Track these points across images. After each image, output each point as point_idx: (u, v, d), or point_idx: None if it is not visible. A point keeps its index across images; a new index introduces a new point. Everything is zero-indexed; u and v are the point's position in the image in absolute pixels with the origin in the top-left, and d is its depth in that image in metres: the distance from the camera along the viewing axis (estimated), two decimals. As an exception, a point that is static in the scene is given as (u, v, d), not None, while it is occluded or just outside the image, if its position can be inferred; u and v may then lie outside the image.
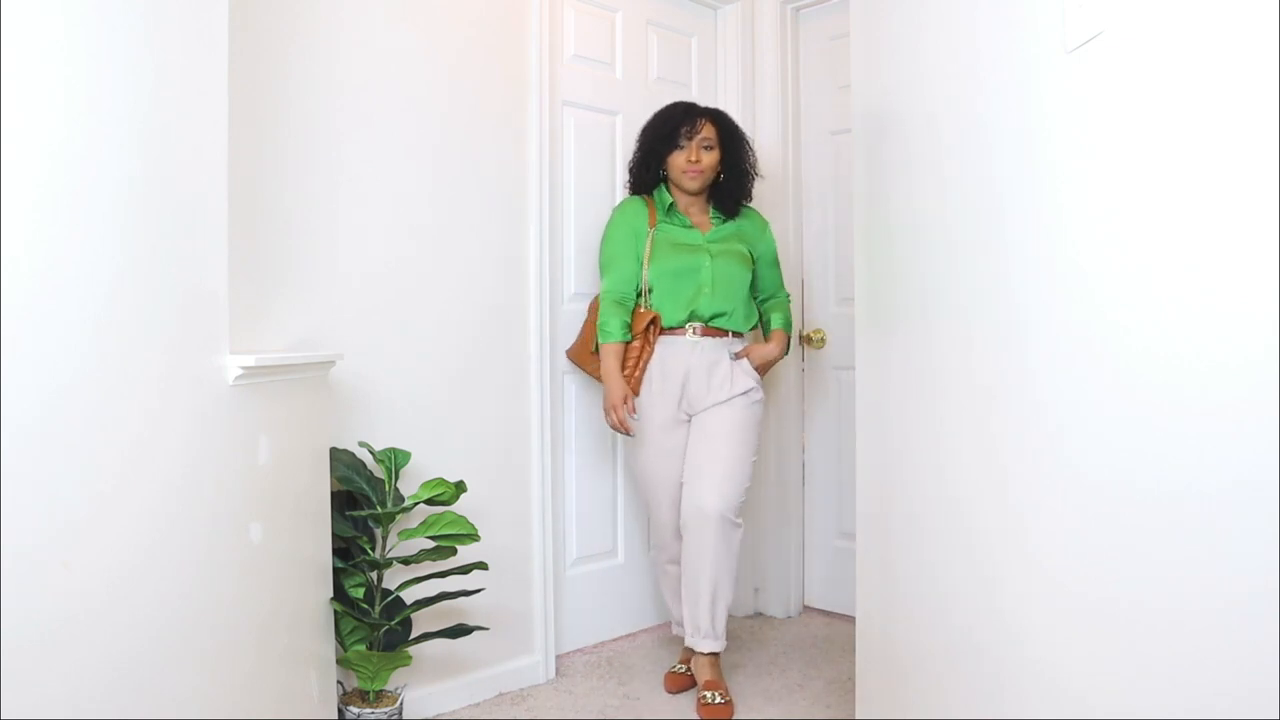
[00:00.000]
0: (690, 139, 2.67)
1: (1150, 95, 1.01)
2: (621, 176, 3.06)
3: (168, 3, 1.52)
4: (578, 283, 2.94)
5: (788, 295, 2.87)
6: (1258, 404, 0.84)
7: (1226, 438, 0.90)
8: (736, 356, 2.67)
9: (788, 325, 2.81)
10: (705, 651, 2.55)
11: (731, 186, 2.74)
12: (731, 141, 2.73)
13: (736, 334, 2.70)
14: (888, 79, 1.87)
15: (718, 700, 2.47)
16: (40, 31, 1.29)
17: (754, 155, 2.79)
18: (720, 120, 2.74)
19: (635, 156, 2.79)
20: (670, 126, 2.70)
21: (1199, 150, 0.94)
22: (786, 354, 2.84)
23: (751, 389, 2.63)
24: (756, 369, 2.68)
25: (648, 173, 2.74)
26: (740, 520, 2.57)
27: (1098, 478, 1.11)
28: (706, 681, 2.53)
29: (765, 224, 2.84)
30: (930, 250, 1.65)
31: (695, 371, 2.62)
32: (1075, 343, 1.17)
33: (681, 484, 2.61)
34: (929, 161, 1.66)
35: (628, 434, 2.62)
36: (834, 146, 3.30)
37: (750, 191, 2.80)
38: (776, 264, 2.85)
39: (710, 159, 2.68)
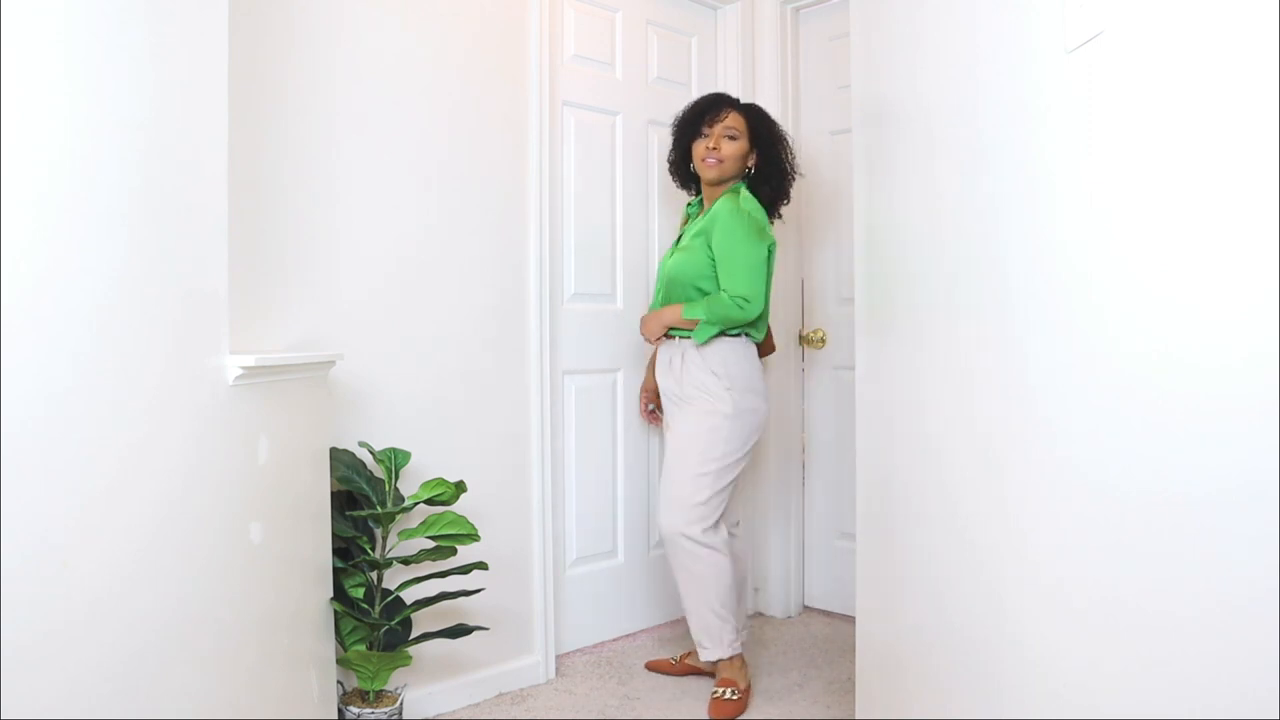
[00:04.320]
0: (712, 126, 2.63)
1: (1150, 95, 1.01)
2: (621, 176, 3.07)
3: (168, 3, 1.52)
4: (578, 283, 2.94)
5: (733, 298, 2.48)
6: (1258, 404, 0.84)
7: (1225, 438, 0.90)
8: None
9: (694, 310, 2.52)
10: (702, 660, 2.61)
11: (769, 181, 2.65)
12: (765, 135, 2.65)
13: (683, 336, 2.57)
14: (887, 79, 1.87)
15: (727, 696, 2.48)
16: (40, 33, 1.29)
17: (793, 154, 2.71)
18: (752, 113, 2.68)
19: (670, 152, 2.81)
20: (694, 114, 2.68)
21: (1199, 150, 0.94)
22: (689, 334, 2.54)
23: (702, 397, 2.52)
24: (646, 330, 2.63)
25: (678, 165, 2.78)
26: (705, 538, 2.49)
27: (1097, 477, 1.11)
28: (721, 679, 2.54)
29: (727, 212, 2.53)
30: (930, 250, 1.65)
31: (658, 370, 2.70)
32: (1074, 343, 1.17)
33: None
34: (929, 161, 1.66)
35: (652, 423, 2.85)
36: (834, 146, 3.30)
37: (788, 192, 2.70)
38: (726, 259, 2.51)
39: (733, 149, 2.61)
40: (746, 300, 2.48)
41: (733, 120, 2.63)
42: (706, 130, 2.64)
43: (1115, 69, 1.07)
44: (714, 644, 2.54)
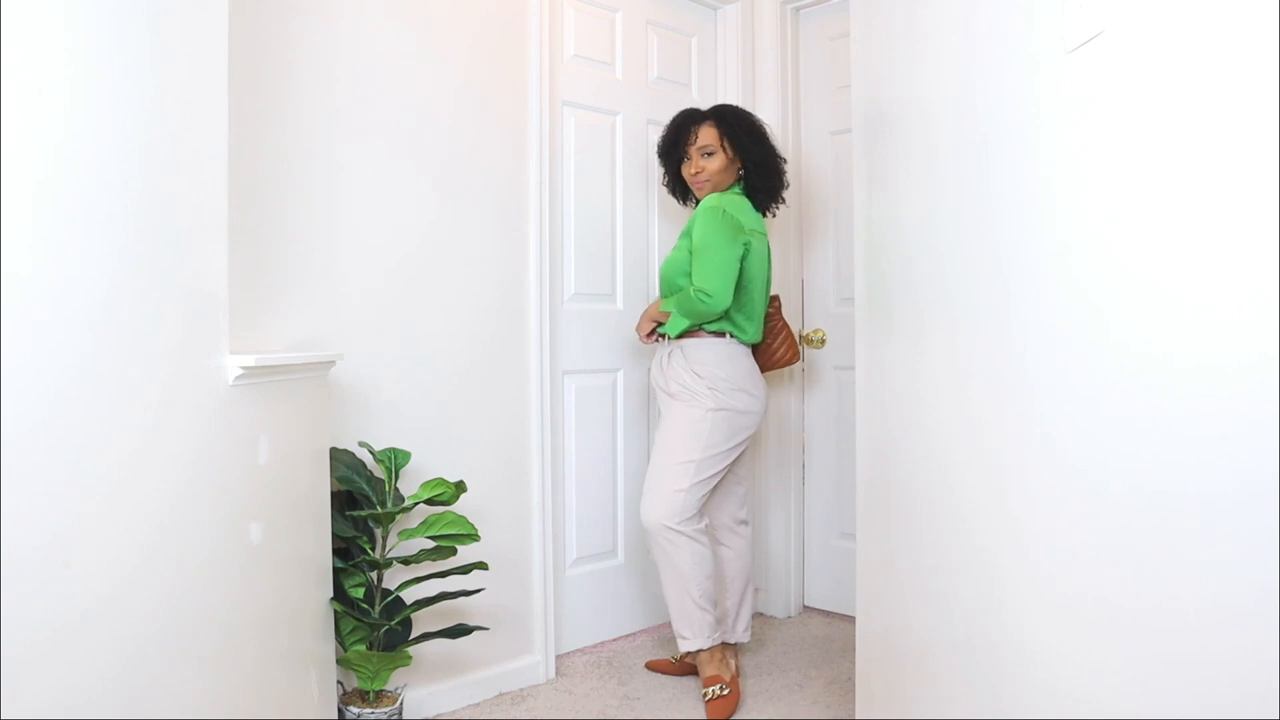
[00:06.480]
0: (688, 150, 2.67)
1: (1150, 96, 1.01)
2: (621, 176, 3.08)
3: (168, 4, 1.52)
4: (578, 283, 2.94)
5: (697, 292, 2.49)
6: (1258, 404, 0.84)
7: (1224, 437, 0.90)
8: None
9: (668, 304, 2.63)
10: (681, 651, 2.61)
11: (758, 181, 2.67)
12: (742, 137, 2.64)
13: (682, 335, 2.60)
14: (887, 79, 1.87)
15: (718, 693, 2.49)
16: (40, 33, 1.29)
17: (773, 144, 2.70)
18: (723, 120, 2.66)
19: (662, 175, 2.86)
20: (670, 142, 2.73)
21: (1199, 151, 0.94)
22: (668, 332, 2.61)
23: (686, 394, 2.56)
24: (638, 329, 2.75)
25: (673, 185, 2.83)
26: (685, 527, 2.51)
27: (1096, 477, 1.11)
28: (706, 677, 2.54)
29: (705, 210, 2.55)
30: (930, 250, 1.65)
31: (653, 368, 2.74)
32: (1073, 343, 1.17)
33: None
34: (928, 161, 1.66)
35: None
36: (834, 146, 3.30)
37: (783, 182, 2.72)
38: (697, 255, 2.53)
39: (714, 164, 2.64)
40: (707, 294, 2.48)
41: (705, 136, 2.64)
42: (685, 155, 2.69)
43: (1115, 69, 1.07)
44: (694, 634, 2.54)
